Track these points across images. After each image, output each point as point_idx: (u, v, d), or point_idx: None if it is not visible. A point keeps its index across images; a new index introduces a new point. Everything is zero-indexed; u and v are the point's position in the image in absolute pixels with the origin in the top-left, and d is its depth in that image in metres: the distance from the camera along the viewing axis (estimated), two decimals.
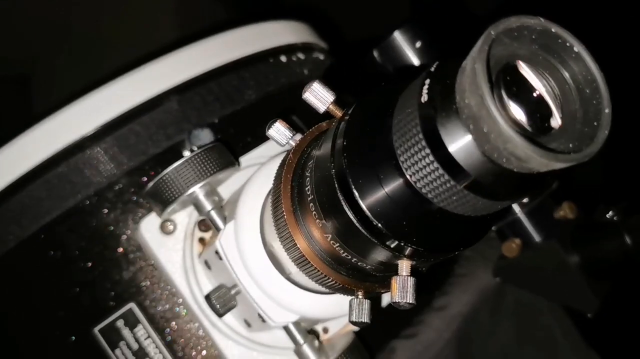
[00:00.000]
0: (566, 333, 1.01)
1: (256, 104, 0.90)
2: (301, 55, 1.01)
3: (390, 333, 0.87)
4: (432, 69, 0.41)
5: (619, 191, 0.84)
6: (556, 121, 0.40)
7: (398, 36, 0.92)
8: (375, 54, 0.94)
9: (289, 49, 0.99)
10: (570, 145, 0.39)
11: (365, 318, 0.55)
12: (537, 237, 0.90)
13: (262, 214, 0.66)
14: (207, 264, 0.73)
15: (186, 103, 0.84)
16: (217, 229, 0.71)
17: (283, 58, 0.97)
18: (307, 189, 0.53)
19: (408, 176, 0.42)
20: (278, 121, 0.58)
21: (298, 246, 0.55)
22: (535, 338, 1.01)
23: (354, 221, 0.47)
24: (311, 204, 0.52)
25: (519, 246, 0.89)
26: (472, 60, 0.36)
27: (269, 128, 0.58)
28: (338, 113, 0.51)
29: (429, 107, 0.39)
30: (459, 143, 0.38)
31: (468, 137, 0.38)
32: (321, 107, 0.51)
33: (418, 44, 0.87)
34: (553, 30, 0.39)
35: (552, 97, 0.40)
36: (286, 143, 0.58)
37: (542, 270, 0.89)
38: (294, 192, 0.55)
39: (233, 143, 0.83)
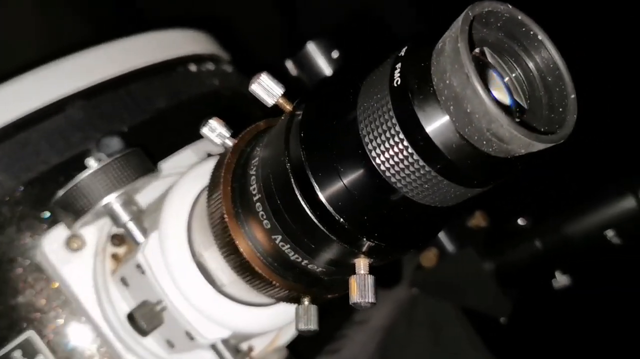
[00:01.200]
0: (473, 341, 1.03)
1: (167, 113, 0.85)
2: (211, 66, 0.98)
3: (313, 349, 0.84)
4: (402, 54, 0.40)
5: (529, 198, 0.88)
6: (524, 109, 0.40)
7: (312, 46, 0.92)
8: (289, 64, 0.93)
9: (198, 59, 0.95)
10: (542, 129, 0.39)
11: (313, 325, 0.52)
12: (451, 246, 0.92)
13: (190, 222, 0.61)
14: (123, 282, 0.66)
15: (92, 110, 0.77)
16: (135, 242, 0.65)
17: (193, 67, 0.93)
18: (251, 188, 0.50)
19: (376, 164, 0.40)
20: (213, 118, 0.55)
21: (241, 250, 0.51)
22: (447, 348, 1.02)
23: (312, 217, 0.44)
24: (258, 204, 0.49)
25: (436, 256, 0.90)
26: (453, 40, 0.35)
27: (203, 126, 0.54)
28: (288, 107, 0.48)
29: (403, 91, 0.38)
30: (437, 125, 0.37)
31: (446, 120, 0.37)
32: (269, 101, 0.48)
33: (335, 54, 0.87)
34: (519, 17, 0.39)
35: (519, 84, 0.40)
36: (221, 143, 0.55)
37: (458, 278, 0.91)
38: (235, 194, 0.52)
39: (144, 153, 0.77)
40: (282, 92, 0.48)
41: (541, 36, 0.40)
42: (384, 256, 0.46)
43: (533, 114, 0.40)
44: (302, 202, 0.44)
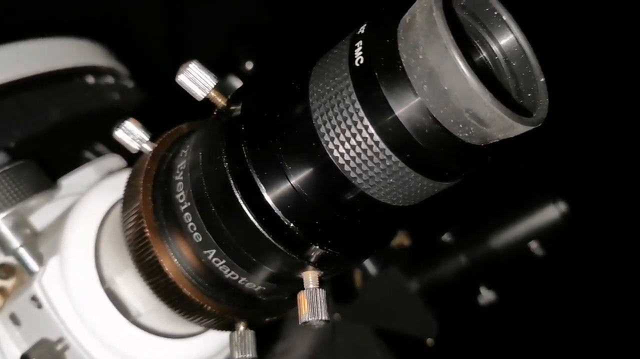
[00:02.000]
0: None
1: (63, 127, 0.75)
2: (110, 80, 0.89)
3: None
4: (362, 31, 0.35)
5: (454, 212, 0.86)
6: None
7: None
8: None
9: (96, 71, 0.86)
10: None
11: (250, 353, 0.45)
12: (373, 268, 0.88)
13: (98, 243, 0.53)
14: (13, 320, 0.56)
15: None
16: (29, 272, 0.55)
17: (90, 79, 0.84)
18: (178, 196, 0.43)
19: (334, 157, 0.35)
20: (129, 119, 0.47)
21: (166, 270, 0.44)
22: None
23: (256, 223, 0.38)
24: (186, 214, 0.42)
25: (358, 280, 0.86)
26: (427, 9, 0.31)
27: (117, 129, 0.47)
28: (221, 100, 0.42)
29: (368, 70, 0.33)
30: (408, 108, 0.33)
31: (419, 101, 0.33)
32: (199, 94, 0.42)
33: (249, 66, 0.82)
34: None
35: (485, 67, 0.37)
36: (139, 148, 0.47)
37: (382, 301, 0.87)
38: (157, 204, 0.45)
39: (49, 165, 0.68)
40: (215, 84, 0.42)
41: (505, 17, 0.36)
42: (336, 266, 0.41)
43: (501, 98, 0.36)
44: (244, 207, 0.38)
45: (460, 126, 0.32)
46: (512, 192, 0.88)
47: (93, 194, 0.55)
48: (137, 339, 0.51)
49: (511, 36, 0.37)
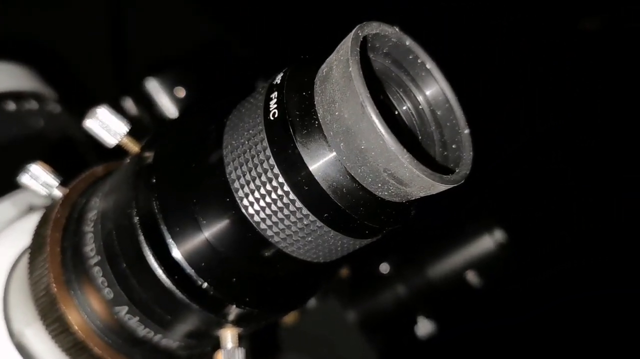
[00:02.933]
0: None
1: None
2: (33, 105, 0.85)
3: None
4: (277, 81, 0.33)
5: (392, 243, 0.85)
6: (417, 145, 0.35)
7: (151, 84, 0.83)
8: (128, 103, 0.83)
9: (17, 96, 0.82)
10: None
11: None
12: (313, 301, 0.85)
13: (6, 293, 0.49)
14: None
15: None
16: None
17: (11, 106, 0.80)
18: (88, 249, 0.40)
19: (249, 214, 0.33)
20: (36, 163, 0.44)
21: (74, 328, 0.40)
22: None
23: (168, 282, 0.36)
24: (96, 268, 0.39)
25: (295, 313, 0.84)
26: (343, 63, 0.30)
27: (22, 174, 0.44)
28: (134, 147, 0.39)
29: (282, 124, 0.31)
30: (325, 166, 0.31)
31: (335, 158, 0.31)
32: (111, 140, 0.39)
33: (181, 93, 0.79)
34: (407, 43, 0.34)
35: (409, 119, 0.36)
36: (48, 194, 0.44)
37: (322, 333, 0.85)
38: (65, 256, 0.41)
39: None
40: (127, 130, 0.39)
41: (429, 65, 0.35)
42: (255, 323, 0.39)
43: (426, 151, 0.35)
44: (155, 264, 0.36)
45: (379, 185, 0.31)
46: (450, 221, 0.88)
47: (2, 239, 0.51)
48: None
49: (436, 86, 0.36)
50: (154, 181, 0.36)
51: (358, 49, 0.30)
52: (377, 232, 0.34)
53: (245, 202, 0.33)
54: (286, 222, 0.33)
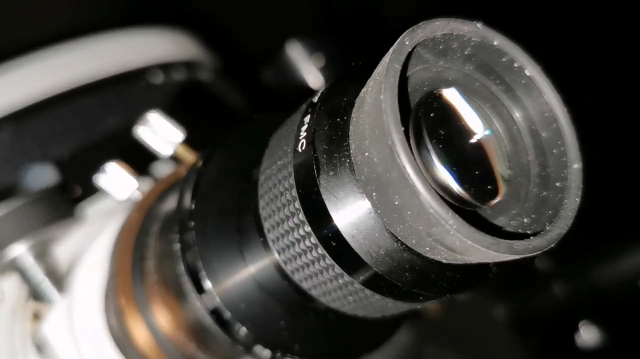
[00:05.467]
0: None
1: (119, 133, 0.73)
2: (182, 75, 0.85)
3: None
4: (316, 98, 0.26)
5: None
6: (503, 183, 0.26)
7: (291, 51, 0.78)
8: (267, 72, 0.79)
9: (166, 66, 0.82)
10: (525, 220, 0.25)
11: None
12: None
13: (107, 289, 0.49)
14: (39, 349, 0.55)
15: (25, 134, 0.65)
16: (48, 301, 0.53)
17: (159, 78, 0.81)
18: (149, 263, 0.37)
19: (282, 262, 0.27)
20: (114, 163, 0.42)
21: (137, 342, 0.39)
22: None
23: (208, 319, 0.32)
24: (156, 286, 0.37)
25: (438, 304, 0.77)
26: (377, 88, 0.22)
27: (99, 174, 0.42)
28: (190, 158, 0.35)
29: (306, 161, 0.25)
30: (354, 220, 0.24)
31: (367, 211, 0.23)
32: (166, 150, 0.36)
33: (321, 62, 0.73)
34: (495, 43, 0.25)
35: (495, 144, 0.26)
36: (127, 198, 0.42)
37: (467, 327, 0.77)
38: (135, 266, 0.39)
39: (86, 184, 0.65)
40: (182, 139, 0.35)
41: (531, 70, 0.25)
42: None
43: (514, 193, 0.26)
44: (198, 302, 0.32)
45: (427, 249, 0.23)
46: (626, 221, 0.72)
47: (104, 237, 0.51)
48: None
49: (540, 98, 0.26)
50: (193, 208, 0.31)
51: (399, 66, 0.22)
52: (439, 295, 0.26)
53: (276, 245, 0.27)
54: (320, 277, 0.26)
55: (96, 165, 0.71)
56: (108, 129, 0.73)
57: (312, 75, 0.80)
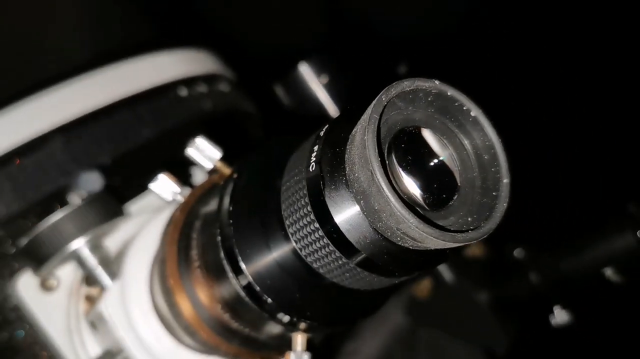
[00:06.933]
0: None
1: (153, 142, 0.83)
2: (203, 88, 0.96)
3: None
4: (322, 133, 0.37)
5: (527, 226, 0.83)
6: (454, 192, 0.37)
7: (303, 69, 0.89)
8: (279, 88, 0.90)
9: (189, 81, 0.93)
10: (469, 219, 0.36)
11: None
12: (447, 276, 0.88)
13: (152, 273, 0.60)
14: (93, 326, 0.66)
15: (73, 143, 0.76)
16: (103, 288, 0.64)
17: (183, 91, 0.91)
18: (193, 252, 0.48)
19: (298, 249, 0.38)
20: (163, 174, 0.53)
21: (184, 314, 0.49)
22: None
23: (242, 293, 0.42)
24: (198, 270, 0.47)
25: (429, 287, 0.87)
26: (362, 130, 0.33)
27: (151, 182, 0.53)
28: (226, 170, 0.46)
29: (314, 179, 0.36)
30: (348, 219, 0.34)
31: (357, 213, 0.34)
32: (207, 165, 0.46)
33: (324, 79, 0.84)
34: (449, 93, 0.36)
35: (451, 164, 0.37)
36: (172, 199, 0.53)
37: (453, 309, 0.87)
38: (180, 254, 0.50)
39: (127, 186, 0.76)
40: (220, 156, 0.46)
41: (475, 112, 0.36)
42: (321, 331, 0.44)
43: (463, 199, 0.36)
44: (232, 279, 0.42)
45: (398, 239, 0.34)
46: (588, 212, 0.82)
47: (153, 224, 0.62)
48: (183, 357, 0.59)
49: (482, 131, 0.36)
50: (231, 208, 0.42)
51: (377, 116, 0.32)
52: (409, 272, 0.37)
53: (294, 237, 0.38)
54: (325, 259, 0.37)
55: (135, 171, 0.83)
56: (143, 138, 0.84)
57: (320, 92, 0.90)
